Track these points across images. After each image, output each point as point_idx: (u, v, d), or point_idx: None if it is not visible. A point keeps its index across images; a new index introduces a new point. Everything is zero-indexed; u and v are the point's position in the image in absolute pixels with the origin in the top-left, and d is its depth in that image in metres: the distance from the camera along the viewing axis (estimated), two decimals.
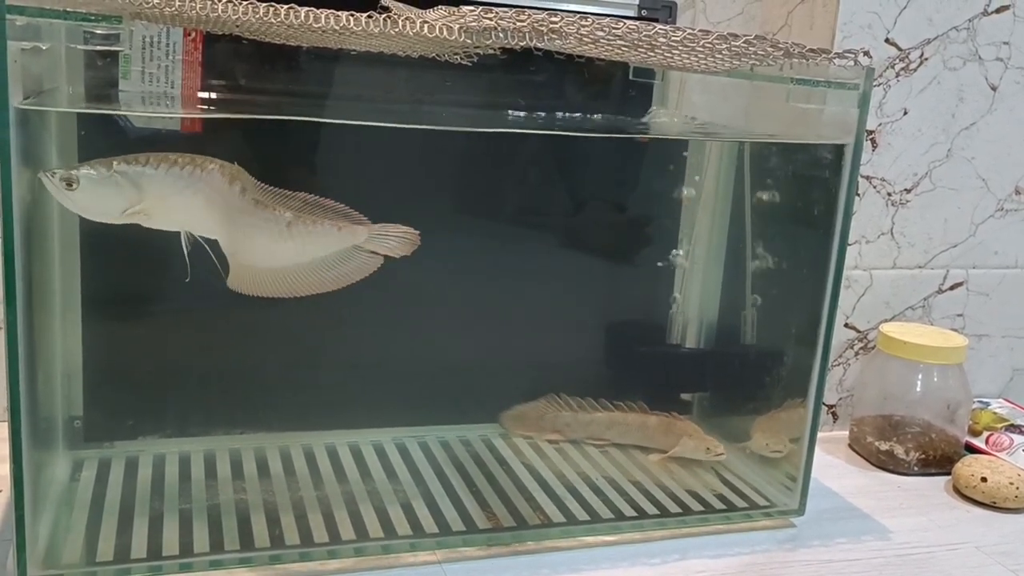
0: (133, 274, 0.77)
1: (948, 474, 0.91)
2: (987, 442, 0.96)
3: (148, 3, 0.53)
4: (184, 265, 0.65)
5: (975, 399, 1.01)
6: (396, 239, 0.70)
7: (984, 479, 0.85)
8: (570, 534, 0.74)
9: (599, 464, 0.84)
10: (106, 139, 0.73)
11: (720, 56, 0.68)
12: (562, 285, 0.89)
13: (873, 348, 0.99)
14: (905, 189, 0.98)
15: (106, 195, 0.61)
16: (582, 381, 0.88)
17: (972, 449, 0.95)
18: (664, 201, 0.92)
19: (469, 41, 0.61)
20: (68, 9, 0.54)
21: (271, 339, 0.80)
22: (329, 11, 0.57)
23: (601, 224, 0.91)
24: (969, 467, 0.87)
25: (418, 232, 0.70)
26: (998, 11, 0.96)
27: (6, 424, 0.84)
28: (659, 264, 0.92)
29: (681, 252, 0.91)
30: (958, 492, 0.88)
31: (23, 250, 0.56)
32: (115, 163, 0.62)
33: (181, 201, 0.64)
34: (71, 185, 0.60)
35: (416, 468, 0.80)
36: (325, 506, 0.72)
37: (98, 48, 0.62)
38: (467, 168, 0.86)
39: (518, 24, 0.61)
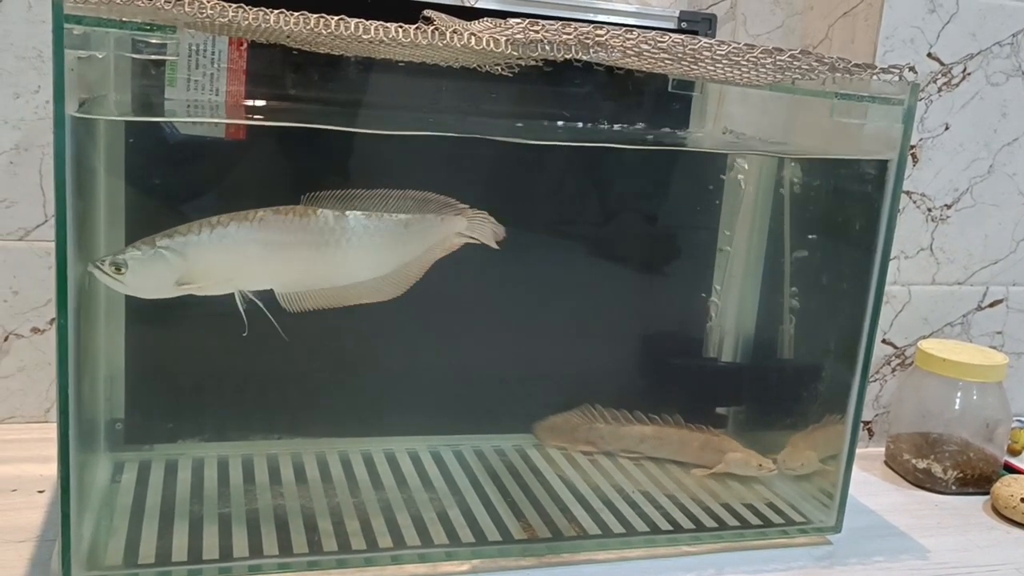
0: None
1: (986, 494, 0.90)
2: None
3: (202, 13, 0.53)
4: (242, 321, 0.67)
5: (1014, 418, 1.00)
6: (490, 227, 0.72)
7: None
8: (605, 547, 0.74)
9: (634, 477, 0.84)
10: (152, 146, 0.74)
11: (764, 70, 0.68)
12: (599, 296, 0.89)
13: (911, 365, 0.99)
14: (945, 205, 0.97)
15: (155, 272, 0.62)
16: (617, 393, 0.88)
17: (1011, 469, 0.93)
18: (702, 213, 0.91)
19: (515, 53, 0.61)
20: (124, 19, 0.55)
21: (309, 347, 0.81)
22: (378, 23, 0.57)
23: (639, 236, 0.91)
24: (1008, 487, 0.86)
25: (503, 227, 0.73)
26: None
27: (49, 425, 0.86)
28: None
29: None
30: (997, 512, 0.87)
31: (74, 256, 0.57)
32: (158, 239, 0.63)
33: (234, 259, 0.65)
34: (120, 270, 0.61)
35: (451, 477, 0.81)
36: (362, 513, 0.73)
37: (148, 57, 0.63)
38: (504, 178, 0.86)
39: (564, 37, 0.62)
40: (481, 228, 0.71)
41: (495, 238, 0.72)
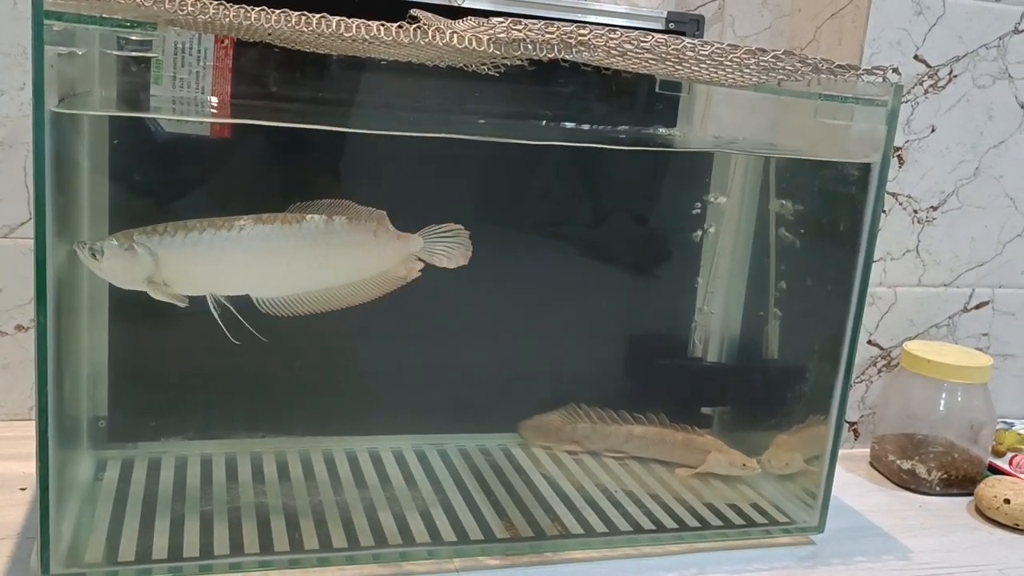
0: None
1: (971, 495, 0.90)
2: (1011, 463, 0.95)
3: (183, 10, 0.53)
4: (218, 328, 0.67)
5: (999, 419, 1.00)
6: (450, 246, 0.72)
7: (1007, 500, 0.85)
8: (588, 546, 0.74)
9: (618, 476, 0.84)
10: (137, 143, 0.74)
11: (748, 71, 0.68)
12: (584, 296, 0.89)
13: (896, 366, 0.99)
14: (931, 206, 0.97)
15: (127, 265, 0.64)
16: (602, 392, 0.88)
17: (995, 470, 0.94)
18: (688, 214, 0.91)
19: (498, 52, 0.61)
20: (105, 15, 0.54)
21: (294, 345, 0.81)
22: (360, 21, 0.57)
23: (624, 236, 0.91)
24: (992, 488, 0.87)
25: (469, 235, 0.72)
26: None
27: (32, 423, 0.85)
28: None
29: (712, 229, 0.91)
30: (980, 513, 0.87)
31: (53, 252, 0.57)
32: (136, 234, 0.65)
33: (207, 265, 0.66)
34: (95, 256, 0.63)
35: (435, 476, 0.81)
36: (344, 511, 0.73)
37: (132, 54, 0.63)
38: (490, 178, 0.87)
39: (547, 36, 0.62)
40: (438, 249, 0.72)
41: (453, 262, 0.72)
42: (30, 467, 0.77)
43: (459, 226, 0.72)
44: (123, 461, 0.77)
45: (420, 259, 0.71)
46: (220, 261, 0.66)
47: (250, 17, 0.55)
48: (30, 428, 0.84)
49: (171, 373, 0.79)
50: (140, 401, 0.79)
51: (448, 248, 0.71)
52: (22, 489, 0.74)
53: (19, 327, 0.84)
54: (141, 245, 0.64)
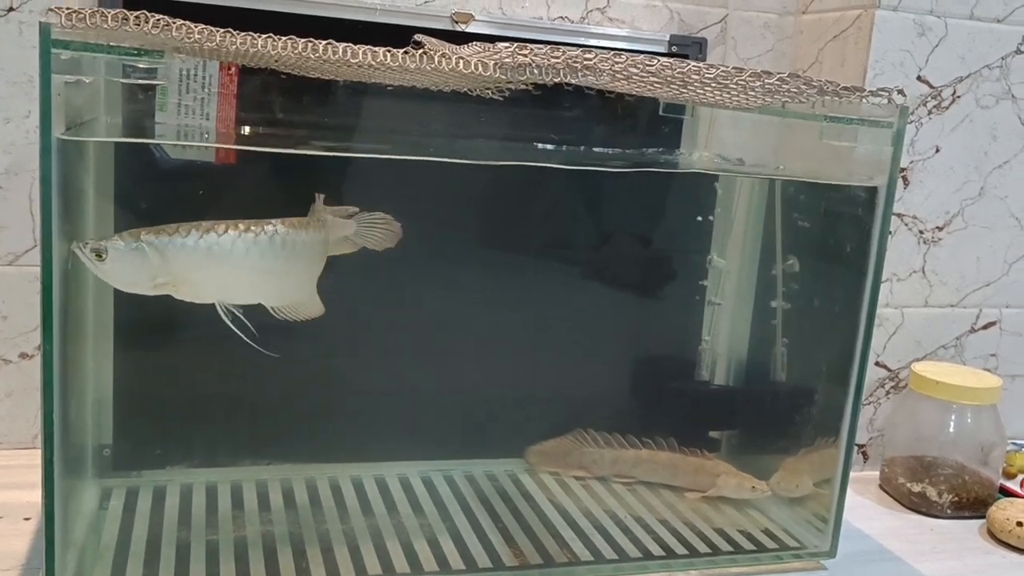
0: (164, 304, 0.77)
1: (982, 517, 0.89)
2: (1022, 485, 0.94)
3: (190, 38, 0.53)
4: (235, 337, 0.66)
5: (1009, 441, 1.00)
6: (380, 231, 0.72)
7: (1020, 523, 0.84)
8: (597, 572, 0.73)
9: (627, 502, 0.83)
10: (142, 170, 0.74)
11: (753, 93, 0.68)
12: (591, 320, 0.89)
13: (904, 387, 0.98)
14: (937, 227, 0.97)
15: (134, 266, 0.63)
16: (610, 417, 0.87)
17: (1006, 492, 0.93)
18: (694, 236, 0.91)
19: (503, 77, 0.61)
20: (112, 43, 0.55)
21: (298, 371, 0.80)
22: (366, 47, 0.57)
23: (630, 259, 0.91)
24: (1004, 511, 0.86)
25: (400, 224, 0.73)
26: None
27: (36, 452, 0.85)
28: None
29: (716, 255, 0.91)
30: (992, 536, 0.86)
31: (60, 279, 0.57)
32: (143, 234, 0.63)
33: (218, 269, 0.65)
34: (100, 256, 0.61)
35: (442, 502, 0.80)
36: (351, 539, 0.72)
37: (138, 82, 0.63)
38: (495, 201, 0.86)
39: (552, 60, 0.62)
40: (369, 234, 0.72)
41: (387, 243, 0.73)
42: (34, 496, 0.77)
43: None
44: (128, 490, 0.76)
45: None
46: (233, 266, 0.65)
47: (257, 44, 0.55)
48: (34, 457, 0.83)
49: (176, 401, 0.78)
50: (145, 429, 0.78)
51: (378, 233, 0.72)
52: (26, 519, 0.74)
53: (23, 355, 0.84)
54: (150, 245, 0.62)
